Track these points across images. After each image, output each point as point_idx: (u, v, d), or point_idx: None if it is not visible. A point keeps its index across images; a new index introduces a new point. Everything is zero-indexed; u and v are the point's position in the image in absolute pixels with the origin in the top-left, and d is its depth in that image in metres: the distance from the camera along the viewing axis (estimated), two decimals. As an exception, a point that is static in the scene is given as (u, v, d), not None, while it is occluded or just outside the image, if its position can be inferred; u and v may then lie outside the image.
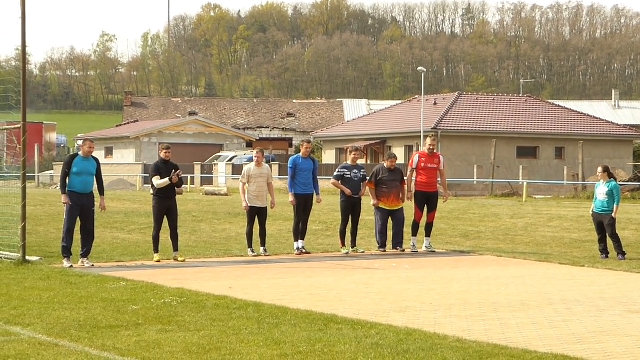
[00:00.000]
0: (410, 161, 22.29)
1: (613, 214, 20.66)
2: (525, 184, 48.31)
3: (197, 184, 65.80)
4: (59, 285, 15.09)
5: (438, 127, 63.71)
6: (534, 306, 13.59)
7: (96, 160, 18.51)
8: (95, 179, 18.42)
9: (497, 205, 37.07)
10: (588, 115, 73.42)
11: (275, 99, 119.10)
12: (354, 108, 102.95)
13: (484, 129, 65.08)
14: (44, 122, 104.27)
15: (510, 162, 62.58)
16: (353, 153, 21.83)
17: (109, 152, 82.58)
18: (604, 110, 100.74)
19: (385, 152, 68.91)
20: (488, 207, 35.90)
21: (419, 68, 72.10)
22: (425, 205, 21.98)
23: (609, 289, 15.75)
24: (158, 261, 18.98)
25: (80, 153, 18.39)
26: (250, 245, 20.48)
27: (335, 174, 21.68)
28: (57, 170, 76.73)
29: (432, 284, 16.26)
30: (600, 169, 21.16)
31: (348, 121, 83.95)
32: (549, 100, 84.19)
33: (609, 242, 20.84)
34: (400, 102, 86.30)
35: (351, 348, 10.19)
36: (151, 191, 19.74)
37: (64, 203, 18.18)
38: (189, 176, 65.07)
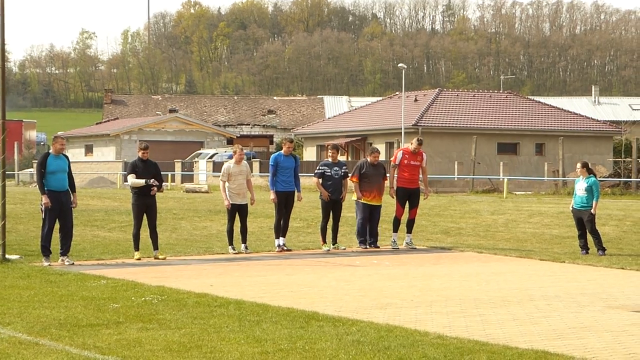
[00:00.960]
0: (394, 157, 22.25)
1: (592, 210, 20.73)
2: (505, 180, 48.43)
3: (177, 182, 65.70)
4: (39, 284, 15.03)
5: (419, 124, 63.80)
6: (515, 302, 13.62)
7: (66, 157, 18.42)
8: (68, 177, 18.34)
9: (477, 202, 37.14)
10: (568, 111, 73.65)
11: (255, 96, 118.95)
12: (335, 105, 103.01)
13: (465, 126, 65.21)
14: (24, 120, 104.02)
15: (490, 158, 62.71)
16: (331, 151, 21.76)
17: (89, 149, 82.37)
18: (583, 106, 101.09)
19: (367, 148, 69.01)
20: (469, 203, 35.96)
21: (400, 65, 72.14)
22: (407, 202, 22.01)
23: (589, 285, 15.80)
24: (139, 259, 18.94)
25: (51, 151, 18.22)
26: (231, 242, 20.46)
27: (316, 171, 21.66)
28: (37, 168, 76.44)
29: (413, 280, 16.28)
30: (579, 165, 21.22)
31: (329, 118, 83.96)
32: (529, 97, 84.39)
33: (589, 238, 20.91)
34: (380, 98, 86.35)
35: (332, 345, 10.18)
36: (130, 189, 19.65)
37: (44, 203, 18.00)
38: (169, 174, 64.98)
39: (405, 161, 21.94)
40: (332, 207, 21.39)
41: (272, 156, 21.09)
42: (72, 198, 18.40)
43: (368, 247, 21.60)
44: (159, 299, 13.38)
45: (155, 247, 19.32)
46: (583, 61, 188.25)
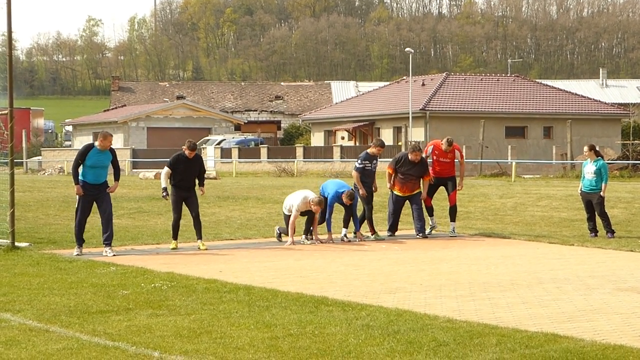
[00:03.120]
0: (425, 149, 21.99)
1: (601, 193, 20.70)
2: (513, 163, 48.35)
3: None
4: (48, 271, 15.06)
5: (426, 108, 63.70)
6: (524, 285, 13.63)
7: (112, 151, 17.97)
8: (112, 167, 18.06)
9: (486, 186, 37.09)
10: (576, 94, 73.46)
11: (263, 82, 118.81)
12: (342, 90, 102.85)
13: (472, 110, 65.09)
14: (31, 108, 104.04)
15: (498, 142, 62.62)
16: (377, 148, 21.02)
17: (96, 137, 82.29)
18: (591, 89, 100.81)
19: (374, 134, 68.95)
20: (477, 187, 35.93)
21: (407, 49, 71.98)
22: (445, 189, 21.72)
23: (598, 268, 15.80)
24: (174, 248, 18.68)
25: (96, 144, 17.85)
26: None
27: (357, 165, 21.00)
28: (46, 156, 76.63)
29: (422, 264, 16.28)
30: (586, 148, 21.17)
31: (336, 103, 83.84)
32: (536, 80, 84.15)
33: (598, 220, 20.88)
34: (388, 83, 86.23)
35: (342, 330, 10.20)
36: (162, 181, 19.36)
37: (77, 194, 17.75)
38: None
39: (435, 157, 21.62)
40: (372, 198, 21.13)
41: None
42: (113, 186, 18.06)
43: (418, 235, 21.00)
44: (169, 285, 13.41)
45: (199, 237, 18.93)
46: (590, 44, 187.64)
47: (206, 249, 18.49)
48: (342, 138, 72.20)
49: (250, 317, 11.01)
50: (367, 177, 20.99)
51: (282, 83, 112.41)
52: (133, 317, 11.07)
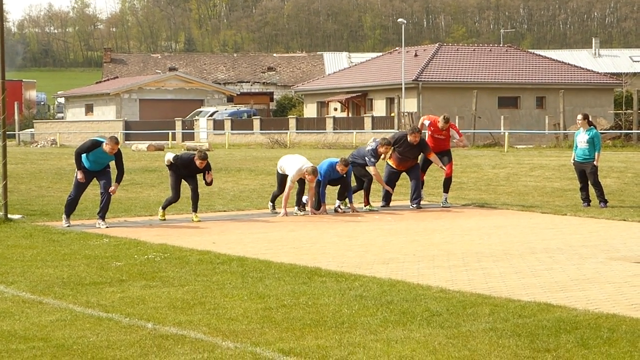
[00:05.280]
0: (420, 123, 21.80)
1: (595, 162, 20.71)
2: (506, 134, 48.36)
3: (178, 140, 65.64)
4: (41, 243, 15.05)
5: (419, 79, 63.60)
6: (517, 255, 13.65)
7: (117, 154, 17.74)
8: (116, 168, 17.79)
9: (478, 156, 37.11)
10: (568, 64, 73.37)
11: (255, 53, 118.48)
12: (335, 61, 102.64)
13: (465, 80, 65.00)
14: (23, 80, 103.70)
15: (491, 112, 62.60)
16: (385, 147, 20.64)
17: (89, 109, 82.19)
18: (584, 59, 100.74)
19: (367, 105, 68.89)
20: (470, 157, 35.93)
21: (399, 20, 71.81)
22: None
23: (591, 237, 15.83)
24: (163, 219, 18.76)
25: (104, 146, 17.56)
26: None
27: (372, 159, 20.56)
28: (38, 128, 76.39)
29: (415, 235, 16.30)
30: (580, 117, 21.15)
31: (329, 74, 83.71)
32: (529, 50, 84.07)
33: (591, 190, 20.90)
34: (380, 54, 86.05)
35: (335, 300, 10.22)
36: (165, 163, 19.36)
37: (78, 179, 17.63)
38: (170, 132, 64.93)
39: (430, 132, 21.44)
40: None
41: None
42: (113, 187, 17.84)
43: (412, 206, 20.85)
44: (162, 256, 13.41)
45: (194, 209, 18.79)
46: (583, 13, 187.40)
47: (199, 221, 18.44)
48: (335, 109, 72.13)
49: (243, 288, 11.02)
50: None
51: (275, 54, 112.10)
52: (126, 288, 11.07)
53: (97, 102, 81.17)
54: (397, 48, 78.93)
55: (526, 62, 69.88)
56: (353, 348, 8.23)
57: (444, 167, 21.20)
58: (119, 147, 17.91)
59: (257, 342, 8.45)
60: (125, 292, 10.80)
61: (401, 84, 62.42)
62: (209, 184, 18.99)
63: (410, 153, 21.02)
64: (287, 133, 60.76)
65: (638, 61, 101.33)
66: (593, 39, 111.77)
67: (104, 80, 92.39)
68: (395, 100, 59.77)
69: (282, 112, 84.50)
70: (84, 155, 17.66)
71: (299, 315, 9.50)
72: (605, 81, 69.86)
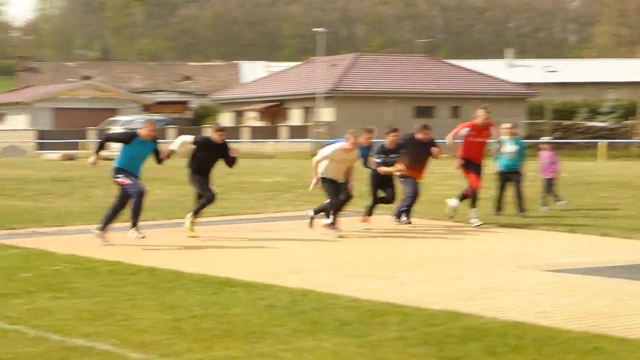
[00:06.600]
0: (455, 131, 19.06)
1: (522, 171, 20.97)
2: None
3: (92, 150, 64.96)
4: (-53, 255, 14.74)
5: (336, 89, 63.83)
6: (428, 264, 13.73)
7: (155, 142, 16.38)
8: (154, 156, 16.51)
9: (394, 165, 37.23)
10: (483, 74, 74.28)
11: (172, 62, 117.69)
12: (252, 70, 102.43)
13: (382, 90, 65.43)
14: None
15: (407, 122, 62.98)
16: (391, 135, 18.63)
17: (1, 118, 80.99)
18: (499, 69, 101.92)
19: (284, 114, 68.90)
20: (385, 167, 36.06)
21: (317, 29, 72.01)
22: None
23: (501, 246, 15.99)
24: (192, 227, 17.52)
25: (139, 132, 16.19)
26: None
27: (378, 161, 18.54)
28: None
29: (328, 244, 16.31)
30: (508, 125, 21.30)
31: (246, 83, 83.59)
32: (445, 60, 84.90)
33: (509, 200, 20.97)
34: (298, 63, 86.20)
35: (245, 310, 10.17)
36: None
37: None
38: (83, 141, 64.22)
39: (471, 138, 18.74)
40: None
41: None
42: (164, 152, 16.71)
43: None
44: (71, 267, 13.22)
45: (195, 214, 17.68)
46: (499, 24, 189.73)
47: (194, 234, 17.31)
48: (252, 118, 72.03)
49: (153, 299, 10.91)
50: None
51: (192, 63, 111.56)
52: (34, 300, 10.90)
53: (10, 111, 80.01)
54: (314, 57, 79.19)
55: (442, 72, 70.63)
56: (262, 358, 8.21)
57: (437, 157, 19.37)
58: (155, 132, 16.35)
59: (166, 354, 8.38)
60: (32, 304, 10.62)
61: (318, 94, 62.55)
62: (232, 163, 17.55)
63: (420, 152, 18.96)
64: (203, 142, 60.41)
65: (551, 71, 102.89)
66: (508, 49, 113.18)
67: (17, 89, 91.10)
68: (312, 110, 59.88)
69: (198, 121, 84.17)
70: (124, 157, 16.23)
71: (209, 326, 9.43)
72: (519, 91, 70.89)
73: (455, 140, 19.10)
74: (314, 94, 63.45)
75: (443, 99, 67.06)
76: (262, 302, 10.63)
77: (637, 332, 9.13)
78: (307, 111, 64.71)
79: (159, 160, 16.93)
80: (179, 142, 17.51)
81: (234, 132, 64.81)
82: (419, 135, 19.03)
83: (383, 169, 18.50)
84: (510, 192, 21.01)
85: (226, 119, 74.85)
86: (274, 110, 69.92)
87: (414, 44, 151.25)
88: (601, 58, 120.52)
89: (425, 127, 19.34)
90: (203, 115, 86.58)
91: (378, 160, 18.59)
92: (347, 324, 9.49)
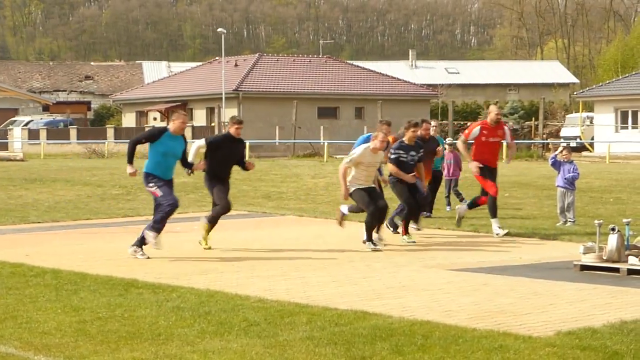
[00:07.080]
0: (467, 132, 17.48)
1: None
2: (326, 144, 48.88)
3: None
4: None
5: (239, 89, 63.70)
6: (334, 264, 13.77)
7: (184, 138, 14.96)
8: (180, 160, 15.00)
9: (298, 166, 37.39)
10: (386, 75, 74.78)
11: (72, 62, 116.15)
12: (154, 70, 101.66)
13: (285, 90, 65.46)
14: None
15: (311, 122, 63.17)
16: (413, 130, 16.54)
17: None
18: (402, 70, 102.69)
19: (187, 114, 68.54)
20: (290, 167, 36.18)
21: (219, 29, 71.77)
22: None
23: (407, 246, 16.09)
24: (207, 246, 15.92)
25: (169, 128, 14.76)
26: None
27: (392, 156, 16.50)
28: None
29: (234, 245, 16.25)
30: (434, 123, 21.23)
31: (148, 83, 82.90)
32: (348, 61, 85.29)
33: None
34: (201, 64, 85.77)
35: (152, 312, 10.07)
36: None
37: (130, 174, 14.87)
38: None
39: (484, 138, 17.16)
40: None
41: None
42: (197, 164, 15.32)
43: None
44: (-28, 270, 12.96)
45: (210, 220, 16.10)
46: (400, 25, 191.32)
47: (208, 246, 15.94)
48: (155, 119, 71.47)
49: (57, 301, 10.75)
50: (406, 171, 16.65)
51: (92, 63, 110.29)
52: None
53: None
54: (217, 58, 78.88)
55: (345, 73, 70.90)
56: (169, 360, 8.14)
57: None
58: (186, 124, 15.04)
59: (71, 356, 8.27)
60: None
61: (221, 94, 62.34)
62: (248, 168, 16.09)
63: (426, 152, 17.42)
64: (104, 143, 59.85)
65: (453, 73, 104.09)
66: (410, 51, 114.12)
67: None
68: (216, 110, 59.66)
69: (100, 122, 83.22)
70: (154, 158, 14.82)
71: (115, 328, 9.32)
72: (422, 92, 71.53)
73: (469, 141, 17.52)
74: (218, 94, 63.23)
75: (347, 99, 67.35)
76: (169, 303, 10.55)
77: (540, 329, 9.27)
78: (211, 111, 64.41)
79: (191, 171, 15.50)
80: (194, 151, 15.77)
81: (136, 132, 64.12)
82: (421, 132, 17.27)
83: (395, 170, 16.44)
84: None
85: (129, 119, 74.15)
86: (178, 110, 69.53)
87: (317, 45, 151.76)
88: (502, 60, 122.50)
89: (424, 122, 18.19)
90: (104, 116, 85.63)
91: (392, 157, 16.45)
92: (254, 324, 9.46)
